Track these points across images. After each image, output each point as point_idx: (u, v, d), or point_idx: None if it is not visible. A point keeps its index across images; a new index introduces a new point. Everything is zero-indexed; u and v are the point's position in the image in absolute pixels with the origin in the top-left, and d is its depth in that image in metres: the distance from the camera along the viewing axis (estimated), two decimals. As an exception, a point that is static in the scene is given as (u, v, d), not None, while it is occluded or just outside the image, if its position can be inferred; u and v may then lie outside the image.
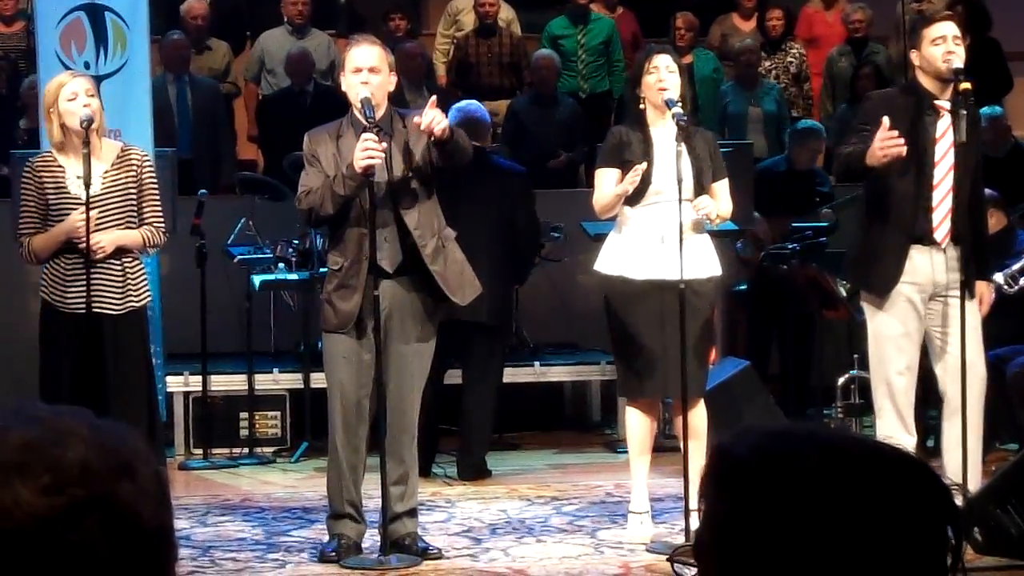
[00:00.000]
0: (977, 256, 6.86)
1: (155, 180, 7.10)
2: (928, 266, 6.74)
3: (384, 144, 6.50)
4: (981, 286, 6.93)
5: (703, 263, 7.01)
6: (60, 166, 6.95)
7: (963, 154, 6.75)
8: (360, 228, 6.63)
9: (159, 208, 7.08)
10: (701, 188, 7.00)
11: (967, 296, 6.78)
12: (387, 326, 6.65)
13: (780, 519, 1.59)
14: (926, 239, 6.74)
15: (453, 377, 8.78)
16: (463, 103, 8.75)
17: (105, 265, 6.91)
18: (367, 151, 6.44)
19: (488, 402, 8.76)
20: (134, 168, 6.99)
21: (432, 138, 6.48)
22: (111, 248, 6.89)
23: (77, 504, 1.46)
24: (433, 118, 6.43)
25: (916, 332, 6.81)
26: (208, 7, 12.31)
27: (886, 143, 6.47)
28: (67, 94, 6.89)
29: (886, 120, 6.53)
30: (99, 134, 6.97)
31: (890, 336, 6.83)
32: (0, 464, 1.47)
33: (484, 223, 8.27)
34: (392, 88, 6.81)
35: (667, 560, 6.52)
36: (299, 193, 6.78)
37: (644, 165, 6.88)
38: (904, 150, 6.49)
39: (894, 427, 6.73)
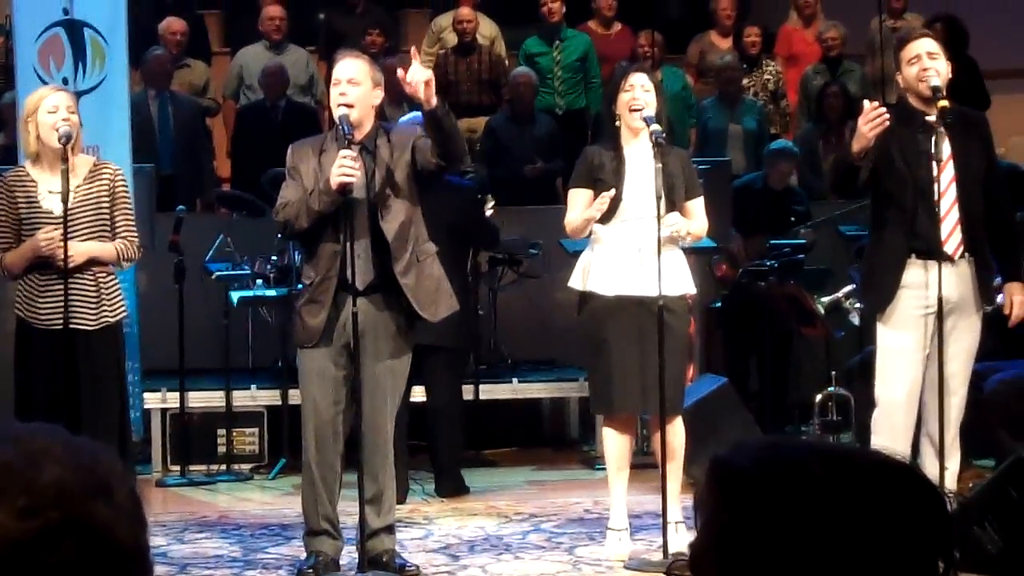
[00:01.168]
0: (1007, 261, 6.90)
1: (128, 195, 7.09)
2: (935, 281, 6.74)
3: (360, 163, 6.49)
4: (1014, 288, 6.96)
5: (675, 280, 7.02)
6: (33, 180, 6.93)
7: (963, 167, 6.76)
8: (334, 244, 6.61)
9: (133, 222, 7.07)
10: (672, 205, 7.01)
11: (972, 313, 6.81)
12: (359, 343, 6.64)
13: (783, 528, 1.60)
14: (936, 253, 6.74)
15: (418, 394, 8.78)
16: (410, 115, 8.69)
17: (79, 280, 6.88)
18: (343, 169, 6.43)
19: (456, 419, 8.76)
20: (106, 183, 6.97)
21: (424, 112, 6.46)
22: (82, 259, 6.86)
23: (53, 527, 1.45)
24: (417, 74, 6.37)
25: (920, 350, 6.82)
26: (186, 24, 12.31)
27: (870, 116, 6.50)
28: (48, 106, 6.88)
29: (866, 102, 6.58)
30: (75, 150, 6.96)
31: (893, 353, 6.84)
32: None
33: (438, 242, 8.28)
34: (377, 103, 6.75)
35: (664, 574, 6.52)
36: (277, 205, 6.77)
37: (612, 192, 6.90)
38: (887, 120, 6.51)
39: (886, 444, 6.74)
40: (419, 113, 8.73)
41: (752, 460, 1.65)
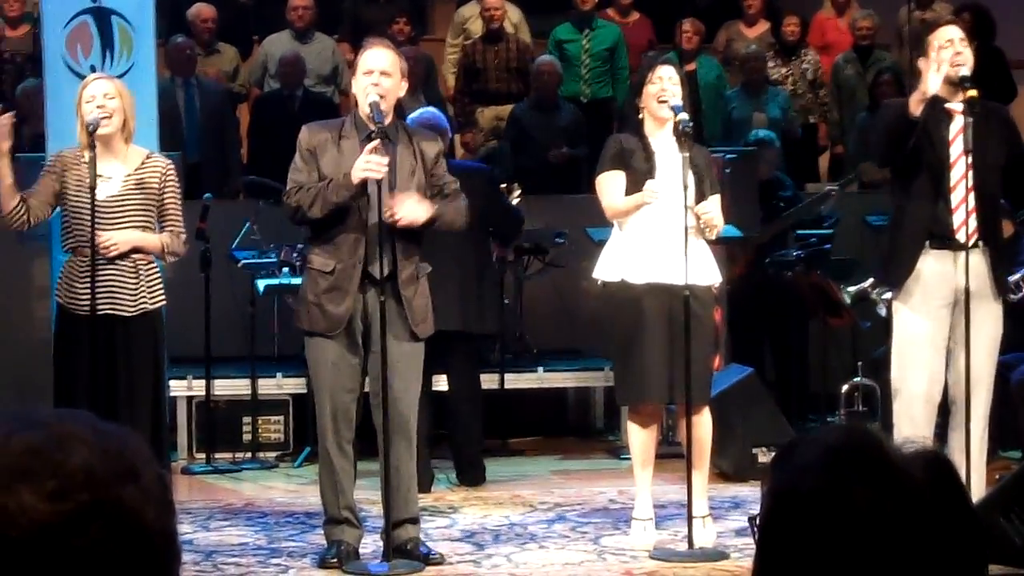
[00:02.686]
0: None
1: (178, 189, 7.06)
2: (952, 271, 6.73)
3: (387, 158, 6.48)
4: None
5: (702, 270, 7.00)
6: (87, 163, 6.92)
7: (980, 157, 6.73)
8: (353, 232, 6.61)
9: (180, 217, 7.03)
10: (702, 196, 7.01)
11: (990, 302, 6.79)
12: (374, 333, 6.63)
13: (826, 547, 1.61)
14: (950, 241, 6.73)
15: (441, 383, 8.80)
16: (419, 112, 8.70)
17: (118, 266, 6.88)
18: (370, 165, 6.42)
19: (476, 407, 8.77)
20: (157, 175, 6.96)
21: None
22: (125, 247, 6.85)
23: (83, 510, 1.45)
24: (406, 215, 6.47)
25: (941, 339, 6.80)
26: (215, 11, 12.32)
27: (943, 57, 6.52)
28: (87, 95, 6.90)
29: (935, 55, 6.62)
30: (125, 135, 6.95)
31: (911, 344, 6.83)
32: (4, 469, 1.46)
33: (454, 233, 8.28)
34: (402, 94, 6.77)
35: None
36: (288, 187, 6.74)
37: (659, 188, 6.86)
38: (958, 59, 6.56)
39: (907, 436, 6.71)
40: (432, 110, 8.76)
41: (810, 482, 1.65)
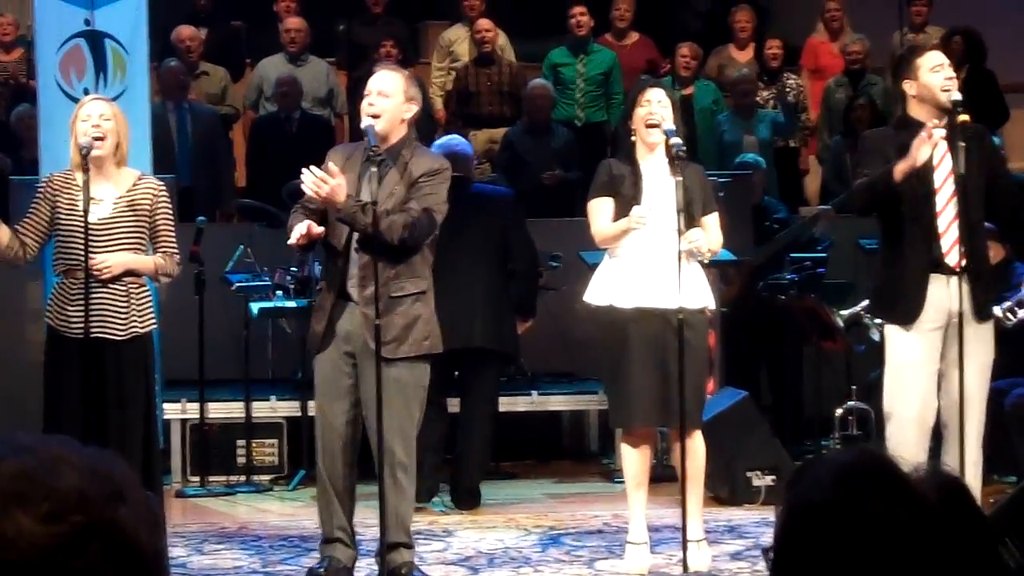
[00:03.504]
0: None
1: (170, 210, 7.02)
2: (945, 295, 6.73)
3: (327, 186, 6.40)
4: None
5: (694, 294, 7.00)
6: (78, 186, 6.90)
7: (966, 182, 6.73)
8: (339, 254, 6.64)
9: (173, 238, 6.97)
10: (691, 220, 7.00)
11: (979, 326, 6.79)
12: (363, 356, 6.59)
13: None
14: (941, 267, 6.73)
15: (458, 406, 8.79)
16: (444, 139, 8.75)
17: (109, 289, 6.86)
18: (304, 177, 6.44)
19: (484, 429, 8.76)
20: (149, 197, 6.93)
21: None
22: (119, 270, 6.82)
23: (79, 531, 1.46)
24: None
25: (932, 363, 6.80)
26: (200, 32, 12.32)
27: (934, 139, 6.51)
28: (82, 115, 6.89)
29: (928, 125, 6.58)
30: (117, 158, 6.94)
31: (903, 368, 6.82)
32: None
33: (473, 251, 8.29)
34: (409, 116, 6.72)
35: None
36: (296, 205, 6.82)
37: (648, 212, 6.86)
38: (944, 133, 6.53)
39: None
40: (456, 137, 8.78)
41: (824, 495, 1.66)
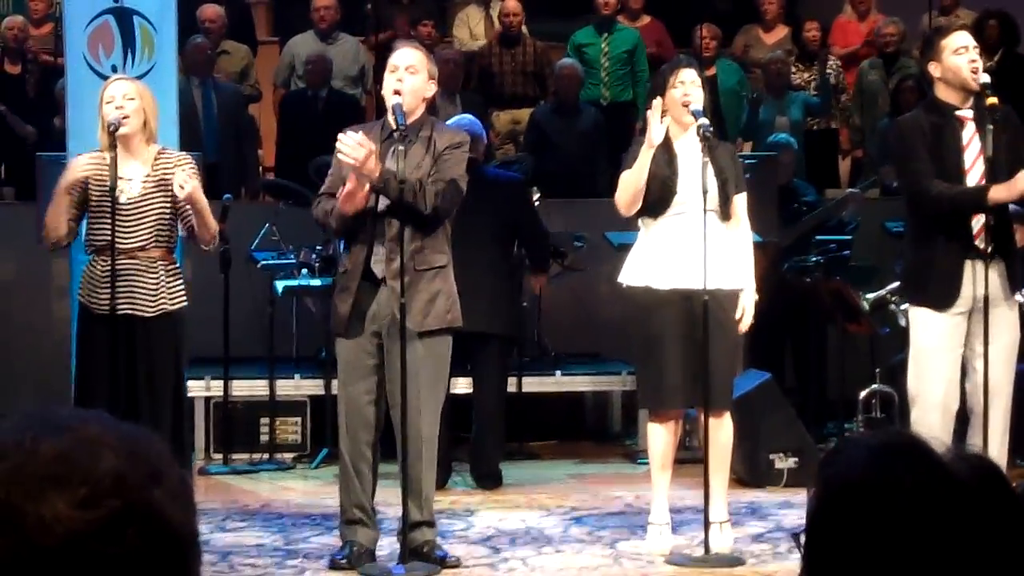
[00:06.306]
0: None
1: (198, 178, 7.04)
2: (971, 279, 6.71)
3: (364, 150, 6.39)
4: None
5: (728, 275, 6.99)
6: (108, 166, 6.93)
7: (995, 164, 6.70)
8: (364, 233, 6.63)
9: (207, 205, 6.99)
10: (727, 198, 6.99)
11: (1006, 310, 6.77)
12: (390, 332, 6.61)
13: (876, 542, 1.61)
14: (971, 251, 6.71)
15: (461, 386, 8.80)
16: (457, 118, 8.74)
17: (140, 266, 6.89)
18: (341, 145, 6.42)
19: (499, 410, 8.78)
20: (170, 170, 6.96)
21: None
22: (197, 193, 6.80)
23: (115, 516, 1.44)
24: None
25: (957, 347, 6.78)
26: (223, 11, 12.33)
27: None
28: (107, 96, 6.92)
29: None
30: (146, 135, 6.95)
31: (927, 352, 6.80)
32: (35, 476, 1.43)
33: (483, 235, 8.28)
34: (430, 95, 6.75)
35: None
36: (320, 193, 6.82)
37: (658, 124, 6.82)
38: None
39: None
40: (468, 117, 8.77)
41: (859, 473, 1.66)
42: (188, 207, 6.86)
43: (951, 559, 1.61)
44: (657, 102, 6.86)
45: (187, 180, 6.77)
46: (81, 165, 6.89)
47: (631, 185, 6.95)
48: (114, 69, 8.48)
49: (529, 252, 9.01)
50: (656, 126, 6.80)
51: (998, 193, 6.59)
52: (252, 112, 12.40)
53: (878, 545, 1.62)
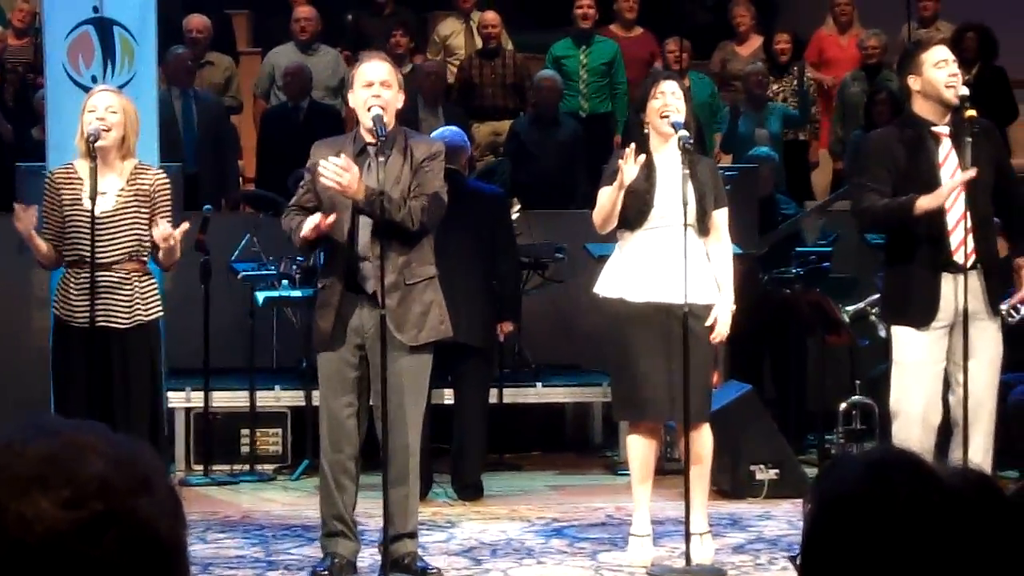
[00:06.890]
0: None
1: (169, 199, 7.01)
2: (951, 294, 6.72)
3: (348, 175, 6.38)
4: None
5: (704, 288, 6.99)
6: (80, 179, 6.92)
7: (975, 179, 6.69)
8: (342, 247, 6.60)
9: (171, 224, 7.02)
10: (704, 212, 6.99)
11: (988, 323, 6.78)
12: (372, 346, 6.60)
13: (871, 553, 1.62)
14: (950, 265, 6.72)
15: (441, 397, 8.80)
16: (440, 130, 8.75)
17: (114, 279, 6.88)
18: (325, 170, 6.39)
19: (481, 422, 8.78)
20: (147, 187, 6.95)
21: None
22: (175, 246, 6.87)
23: (97, 518, 1.46)
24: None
25: (939, 361, 6.79)
26: (208, 22, 12.32)
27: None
28: (90, 106, 6.91)
29: (626, 150, 6.64)
30: (123, 151, 6.94)
31: (909, 366, 6.81)
32: (20, 476, 1.47)
33: (463, 246, 8.28)
34: (400, 106, 6.75)
35: None
36: (289, 205, 6.81)
37: (630, 151, 6.80)
38: (975, 171, 6.52)
39: None
40: (452, 128, 8.78)
41: (853, 486, 1.67)
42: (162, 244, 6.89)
43: (947, 570, 1.61)
44: (631, 148, 6.81)
45: (169, 235, 6.78)
46: (27, 220, 6.86)
47: (603, 211, 6.97)
48: (94, 79, 8.47)
49: (502, 290, 8.85)
50: (629, 167, 6.77)
51: (925, 202, 6.59)
52: (233, 123, 12.38)
53: (874, 557, 1.63)
